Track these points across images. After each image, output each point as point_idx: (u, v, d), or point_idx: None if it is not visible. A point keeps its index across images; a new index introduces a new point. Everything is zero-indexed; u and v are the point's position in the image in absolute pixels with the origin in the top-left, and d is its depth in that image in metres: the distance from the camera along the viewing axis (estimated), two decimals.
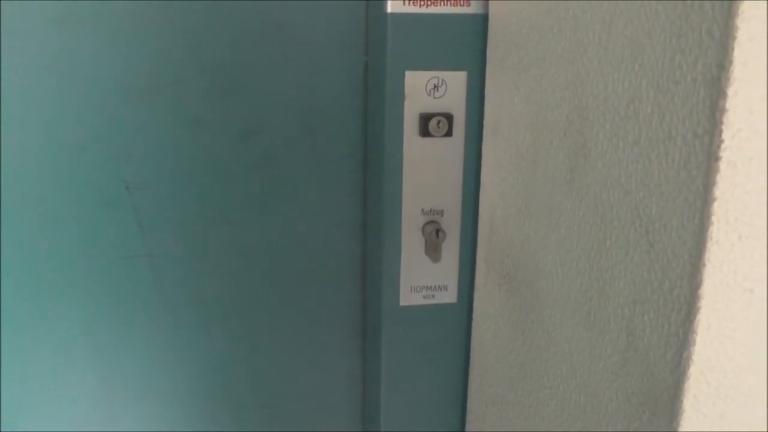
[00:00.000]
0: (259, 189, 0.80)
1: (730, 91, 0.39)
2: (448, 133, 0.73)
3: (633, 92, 0.48)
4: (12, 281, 0.77)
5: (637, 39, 0.47)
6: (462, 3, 0.72)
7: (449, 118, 0.73)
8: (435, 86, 0.72)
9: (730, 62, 0.38)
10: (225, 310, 0.83)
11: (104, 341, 0.82)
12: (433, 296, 0.79)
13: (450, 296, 0.79)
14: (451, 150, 0.74)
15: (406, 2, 0.71)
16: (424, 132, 0.72)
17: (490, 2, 0.70)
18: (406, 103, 0.72)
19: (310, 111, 0.79)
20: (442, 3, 0.71)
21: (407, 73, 0.72)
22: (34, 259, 0.77)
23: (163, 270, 0.81)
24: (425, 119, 0.72)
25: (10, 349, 0.80)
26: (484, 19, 0.71)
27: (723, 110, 0.39)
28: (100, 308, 0.80)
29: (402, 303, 0.78)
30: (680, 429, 0.44)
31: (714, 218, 0.41)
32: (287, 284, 0.84)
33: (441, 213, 0.76)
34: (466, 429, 0.84)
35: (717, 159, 0.40)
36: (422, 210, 0.76)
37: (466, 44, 0.72)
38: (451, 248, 0.77)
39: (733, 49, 0.38)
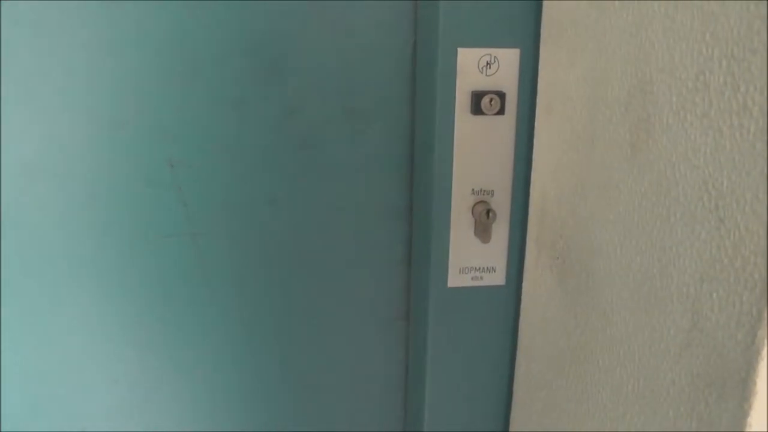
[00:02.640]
0: (303, 169, 0.80)
1: None
2: (500, 112, 0.72)
3: (703, 63, 0.46)
4: (54, 259, 0.78)
5: (708, 8, 0.45)
6: None
7: (501, 96, 0.71)
8: (487, 63, 0.71)
9: None
10: (266, 289, 0.83)
11: (145, 319, 0.82)
12: (482, 278, 0.78)
13: (498, 278, 0.78)
14: (502, 128, 0.73)
15: None
16: (476, 110, 0.71)
17: None
18: (458, 80, 0.71)
19: (354, 91, 0.78)
20: None
21: (460, 50, 0.71)
22: (77, 237, 0.78)
23: (205, 249, 0.81)
24: (477, 97, 0.71)
25: (54, 326, 0.80)
26: None
27: None
28: (142, 286, 0.81)
29: (450, 284, 0.77)
30: (752, 410, 0.42)
31: None
32: (329, 265, 0.84)
33: (491, 193, 0.75)
34: (513, 413, 0.83)
35: None
36: (472, 190, 0.74)
37: (520, 21, 0.71)
38: (500, 229, 0.76)
39: None
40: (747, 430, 0.43)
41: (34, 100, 0.73)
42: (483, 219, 0.73)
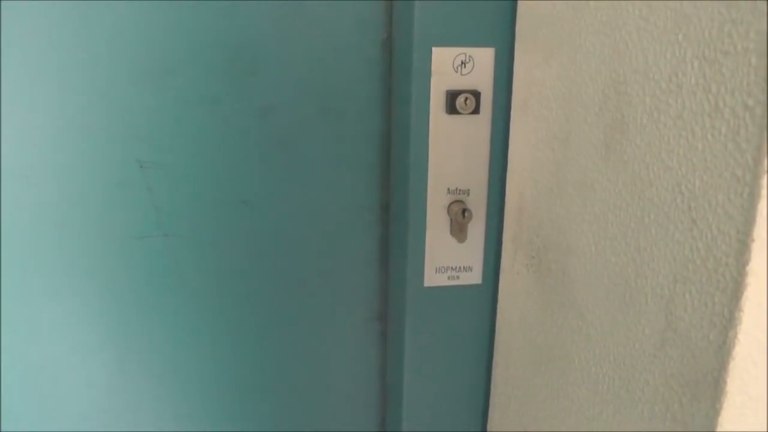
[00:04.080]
0: (277, 169, 0.79)
1: None
2: (476, 111, 0.71)
3: (676, 64, 0.46)
4: (25, 263, 0.77)
5: (681, 9, 0.45)
6: None
7: (476, 95, 0.71)
8: (462, 62, 0.71)
9: None
10: (241, 290, 0.82)
11: (118, 322, 0.81)
12: (458, 277, 0.78)
13: (475, 277, 0.78)
14: (478, 128, 0.73)
15: None
16: (451, 109, 0.71)
17: None
18: (433, 79, 0.71)
19: (328, 91, 0.78)
20: None
21: (434, 49, 0.70)
22: (47, 240, 0.76)
23: (178, 250, 0.80)
24: (452, 96, 0.71)
25: (24, 332, 0.79)
26: None
27: None
28: (114, 288, 0.80)
29: (426, 284, 0.77)
30: (723, 411, 0.43)
31: (764, 192, 0.39)
32: (304, 265, 0.83)
33: (467, 192, 0.75)
34: (491, 413, 0.83)
35: None
36: (448, 189, 0.74)
37: (495, 20, 0.71)
38: (476, 228, 0.76)
39: None
40: (718, 430, 0.43)
41: (2, 102, 0.71)
42: (459, 218, 0.73)
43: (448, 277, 0.78)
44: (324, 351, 0.87)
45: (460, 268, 0.77)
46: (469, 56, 0.71)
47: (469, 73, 0.71)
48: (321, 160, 0.80)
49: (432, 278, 0.77)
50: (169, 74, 0.74)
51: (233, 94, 0.76)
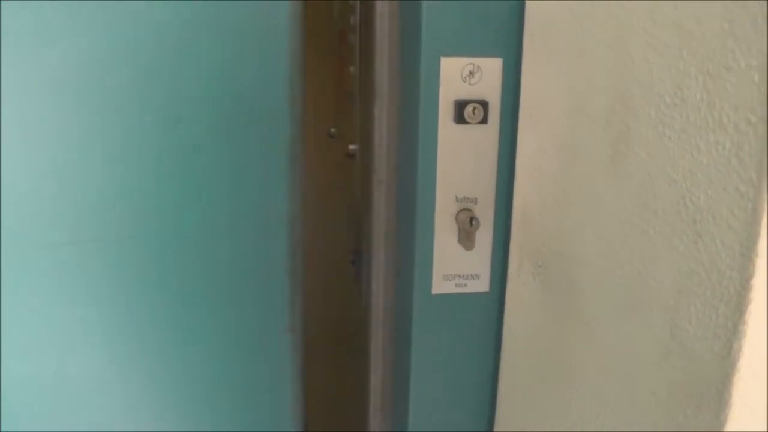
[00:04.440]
0: (185, 179, 0.78)
1: None
2: (484, 120, 0.72)
3: (680, 79, 0.47)
4: None
5: (685, 24, 0.46)
6: None
7: (484, 105, 0.72)
8: (471, 72, 0.72)
9: None
10: (150, 301, 0.81)
11: (32, 329, 0.79)
12: (465, 285, 0.78)
13: (482, 285, 0.79)
14: (486, 137, 0.73)
15: None
16: (459, 119, 0.72)
17: None
18: (442, 89, 0.72)
19: (234, 99, 0.77)
20: None
21: (443, 59, 0.71)
22: None
23: (86, 259, 0.78)
24: (460, 106, 0.71)
25: None
26: (520, 5, 0.70)
27: None
28: (26, 297, 0.77)
29: (434, 291, 0.78)
30: (728, 422, 0.43)
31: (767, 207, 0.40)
32: (214, 276, 0.81)
33: (474, 201, 0.75)
34: (496, 421, 0.84)
35: None
36: (456, 197, 0.75)
37: (503, 30, 0.71)
38: (484, 237, 0.77)
39: None
40: None
41: None
42: (466, 226, 0.74)
43: (456, 285, 0.78)
44: (236, 363, 0.85)
45: (467, 275, 0.78)
46: (477, 66, 0.72)
47: (477, 83, 0.72)
48: (228, 171, 0.78)
49: (440, 285, 0.78)
50: (80, 81, 0.73)
51: (143, 103, 0.75)
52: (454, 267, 0.77)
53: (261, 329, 0.85)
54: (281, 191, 0.81)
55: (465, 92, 0.72)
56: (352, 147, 0.99)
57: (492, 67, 0.72)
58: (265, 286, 0.83)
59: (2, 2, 0.69)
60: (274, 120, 0.79)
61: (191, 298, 0.82)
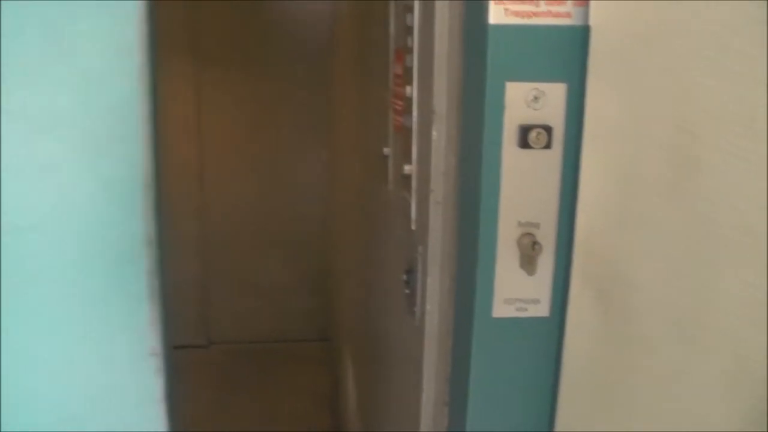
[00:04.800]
0: (39, 198, 0.76)
1: None
2: (547, 146, 0.72)
3: (752, 110, 0.46)
4: None
5: (750, 52, 0.46)
6: (563, 15, 0.71)
7: (548, 129, 0.72)
8: (535, 98, 0.72)
9: None
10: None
11: None
12: (526, 309, 0.78)
13: (542, 310, 0.78)
14: (549, 162, 0.74)
15: (508, 14, 0.71)
16: (523, 143, 0.72)
17: (592, 14, 0.70)
18: (506, 113, 0.72)
19: (85, 119, 0.75)
20: (543, 15, 0.71)
21: (508, 84, 0.72)
22: None
23: None
24: (524, 131, 0.72)
25: None
26: (584, 30, 0.71)
27: None
28: None
29: (495, 315, 0.78)
30: None
31: None
32: (71, 299, 0.79)
33: (537, 225, 0.75)
34: None
35: None
36: (518, 222, 0.75)
37: (567, 56, 0.72)
38: (545, 261, 0.77)
39: None
40: None
41: None
42: (528, 251, 0.74)
43: (516, 309, 0.78)
44: (96, 388, 0.83)
45: (528, 300, 0.78)
46: (542, 91, 0.72)
47: (542, 108, 0.72)
48: (84, 187, 0.77)
49: (500, 309, 0.78)
50: None
51: None
52: (515, 291, 0.77)
53: (123, 352, 0.82)
54: (138, 213, 0.78)
55: (529, 117, 0.72)
56: (407, 167, 0.99)
57: (556, 93, 0.72)
58: (125, 310, 0.81)
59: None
60: (129, 141, 0.76)
61: (45, 323, 0.80)
